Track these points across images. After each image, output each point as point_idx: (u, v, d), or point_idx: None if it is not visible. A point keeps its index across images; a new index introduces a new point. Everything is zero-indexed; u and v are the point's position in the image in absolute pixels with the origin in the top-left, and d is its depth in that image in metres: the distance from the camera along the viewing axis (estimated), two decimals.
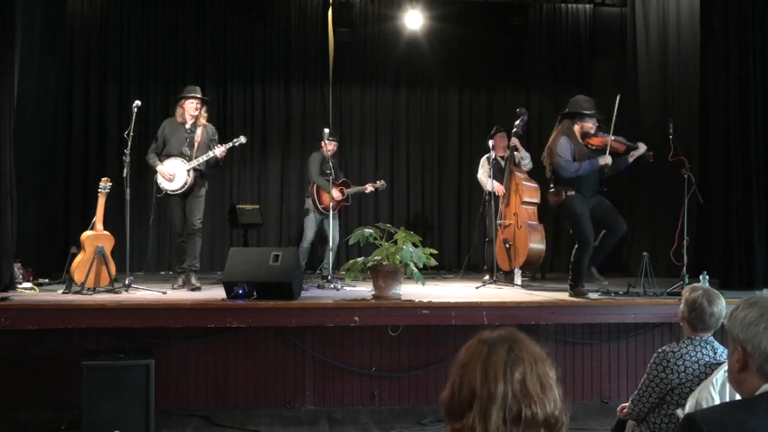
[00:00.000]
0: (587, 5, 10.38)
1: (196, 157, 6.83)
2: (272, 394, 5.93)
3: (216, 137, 7.06)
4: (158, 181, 6.87)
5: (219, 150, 6.87)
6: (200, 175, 6.91)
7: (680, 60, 8.42)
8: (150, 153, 6.94)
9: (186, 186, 6.83)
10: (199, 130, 6.94)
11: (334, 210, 7.93)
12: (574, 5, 10.44)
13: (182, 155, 6.85)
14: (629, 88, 9.23)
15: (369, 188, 8.71)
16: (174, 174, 6.81)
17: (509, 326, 1.73)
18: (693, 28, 8.03)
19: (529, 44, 10.46)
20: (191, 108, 6.94)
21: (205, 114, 7.03)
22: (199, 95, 6.98)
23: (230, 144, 6.98)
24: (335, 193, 8.04)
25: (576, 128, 6.40)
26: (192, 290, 6.68)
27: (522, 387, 1.54)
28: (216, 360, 5.90)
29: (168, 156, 6.86)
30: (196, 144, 6.90)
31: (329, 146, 8.17)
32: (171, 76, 9.78)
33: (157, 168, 6.84)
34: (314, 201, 8.30)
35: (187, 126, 6.92)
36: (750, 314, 1.87)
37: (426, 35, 10.05)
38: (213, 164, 7.02)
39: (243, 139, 7.15)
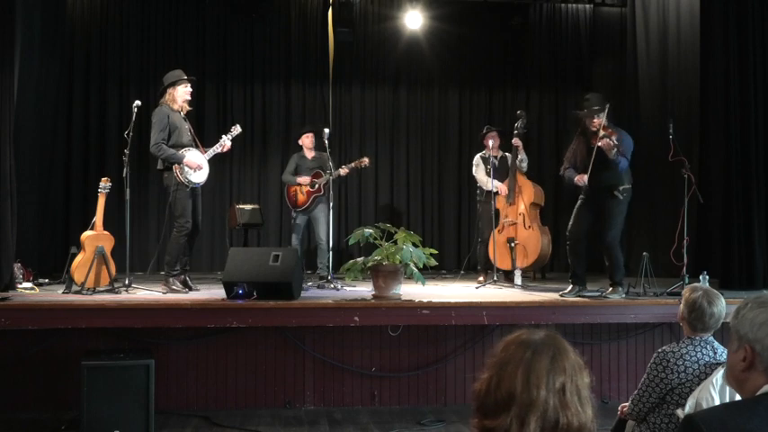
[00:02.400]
0: (587, 5, 10.37)
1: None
2: (272, 394, 5.94)
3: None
4: (185, 173, 6.39)
5: (228, 144, 6.68)
6: None
7: (680, 60, 8.41)
8: (163, 145, 6.38)
9: (204, 179, 6.58)
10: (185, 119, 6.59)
11: (307, 203, 7.92)
12: (574, 5, 10.44)
13: (191, 146, 6.53)
14: (629, 88, 9.23)
15: (343, 171, 7.96)
16: (201, 164, 6.49)
17: (549, 326, 1.71)
18: (693, 28, 8.03)
19: (529, 44, 10.45)
20: (184, 93, 6.54)
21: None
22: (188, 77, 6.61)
23: (231, 135, 6.76)
24: (301, 180, 7.96)
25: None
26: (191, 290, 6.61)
27: (562, 398, 1.54)
28: (216, 360, 5.90)
29: (178, 147, 6.44)
30: (191, 134, 6.59)
31: (304, 140, 8.24)
32: None
33: (185, 160, 6.37)
34: (288, 201, 8.20)
35: (182, 114, 6.56)
36: (761, 314, 1.88)
37: (426, 35, 10.04)
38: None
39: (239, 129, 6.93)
